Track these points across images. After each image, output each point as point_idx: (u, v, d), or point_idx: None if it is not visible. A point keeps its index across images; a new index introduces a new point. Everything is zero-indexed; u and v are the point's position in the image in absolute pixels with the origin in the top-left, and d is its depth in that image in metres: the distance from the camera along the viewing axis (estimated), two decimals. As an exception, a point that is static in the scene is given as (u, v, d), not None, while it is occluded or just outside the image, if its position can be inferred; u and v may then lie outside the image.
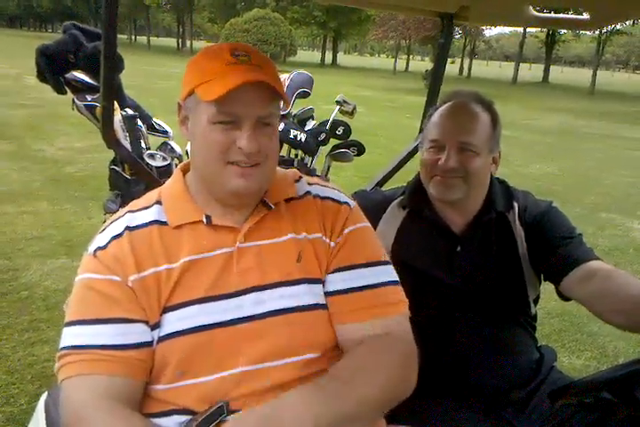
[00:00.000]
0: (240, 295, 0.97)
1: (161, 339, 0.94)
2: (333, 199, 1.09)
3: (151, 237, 0.98)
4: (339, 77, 28.93)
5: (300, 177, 1.13)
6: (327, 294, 1.02)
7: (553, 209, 1.42)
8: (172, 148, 2.63)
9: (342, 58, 69.55)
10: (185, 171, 1.08)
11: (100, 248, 0.97)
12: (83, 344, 0.91)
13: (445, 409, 1.29)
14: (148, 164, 2.42)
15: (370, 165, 6.21)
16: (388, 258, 1.08)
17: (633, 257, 4.74)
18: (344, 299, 1.01)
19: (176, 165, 2.16)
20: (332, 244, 1.04)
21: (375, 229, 1.42)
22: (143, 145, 2.60)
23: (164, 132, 2.82)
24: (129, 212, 1.02)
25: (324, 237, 1.04)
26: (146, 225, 0.99)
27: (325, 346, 1.00)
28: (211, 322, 0.94)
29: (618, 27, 39.27)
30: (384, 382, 0.92)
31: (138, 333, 0.93)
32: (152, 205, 1.03)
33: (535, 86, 36.57)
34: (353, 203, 1.12)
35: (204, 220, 1.00)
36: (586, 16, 1.69)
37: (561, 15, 1.83)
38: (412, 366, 0.99)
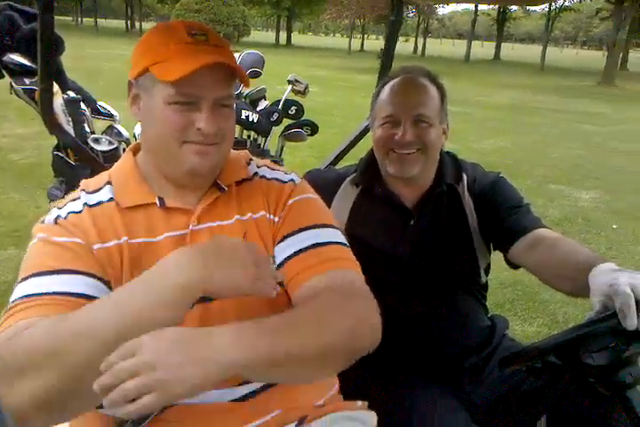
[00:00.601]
0: None
1: None
2: (279, 179, 1.09)
3: (110, 213, 0.96)
4: (293, 57, 28.59)
5: (251, 159, 1.13)
6: (279, 266, 1.00)
7: (501, 180, 1.45)
8: (118, 131, 2.55)
9: (297, 38, 68.72)
10: (135, 152, 1.06)
11: (60, 217, 0.94)
12: (39, 292, 0.83)
13: (401, 380, 1.31)
14: (93, 148, 2.33)
15: (325, 145, 6.20)
16: (337, 224, 1.07)
17: (582, 226, 4.92)
18: (294, 262, 0.99)
19: (124, 150, 2.10)
20: (276, 219, 1.03)
21: (329, 207, 1.44)
22: (87, 129, 2.50)
23: (110, 116, 2.73)
24: (84, 191, 1.00)
25: (267, 215, 1.03)
26: (103, 202, 0.97)
27: None
28: None
29: (566, 3, 40.10)
30: (340, 327, 0.85)
31: (103, 291, 0.88)
32: (103, 186, 1.00)
33: (487, 63, 37.10)
34: (298, 179, 1.11)
35: (158, 202, 0.98)
36: None
37: None
38: (374, 317, 0.92)
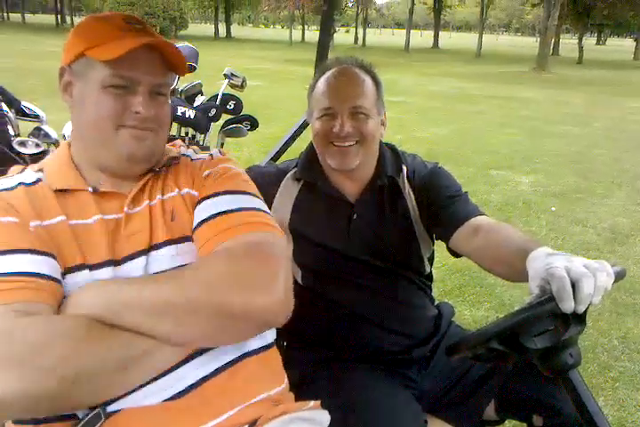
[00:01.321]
0: (131, 260, 0.94)
1: None
2: (201, 158, 1.10)
3: (45, 193, 0.94)
4: (233, 50, 28.21)
5: (181, 146, 1.16)
6: (193, 231, 0.98)
7: (439, 170, 1.46)
8: (46, 133, 2.41)
9: (236, 30, 67.66)
10: (70, 145, 1.04)
11: None
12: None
13: (350, 374, 1.31)
14: (18, 152, 2.20)
15: (271, 139, 6.16)
16: (257, 193, 1.04)
17: (522, 210, 5.09)
18: (205, 228, 0.95)
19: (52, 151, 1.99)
20: (196, 193, 1.02)
21: (272, 203, 1.41)
22: (11, 132, 2.35)
23: (36, 117, 2.58)
24: (17, 173, 0.99)
25: (191, 191, 1.03)
26: (36, 182, 0.96)
27: None
28: None
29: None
30: (224, 285, 0.82)
31: (51, 265, 0.86)
32: (36, 171, 0.99)
33: (426, 52, 37.74)
34: (217, 153, 1.12)
35: (90, 189, 0.97)
36: None
37: None
38: (272, 280, 0.85)
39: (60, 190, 0.95)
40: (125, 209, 0.97)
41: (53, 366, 0.75)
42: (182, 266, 0.95)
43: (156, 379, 0.87)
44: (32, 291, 0.81)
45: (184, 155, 1.11)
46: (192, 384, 0.90)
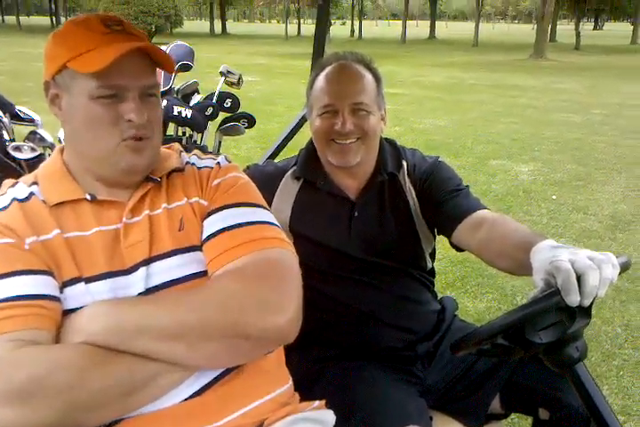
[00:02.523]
0: (131, 272, 0.92)
1: None
2: (208, 166, 1.07)
3: (39, 209, 0.92)
4: (230, 46, 28.09)
5: (181, 151, 1.11)
6: (203, 242, 0.97)
7: (439, 164, 1.45)
8: (41, 137, 2.38)
9: (232, 25, 67.28)
10: (63, 152, 1.02)
11: None
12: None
13: (354, 372, 1.31)
14: (14, 158, 2.19)
15: (270, 135, 6.15)
16: (265, 204, 1.04)
17: (523, 199, 5.07)
18: (216, 242, 0.95)
19: (49, 155, 1.98)
20: (206, 202, 1.01)
21: (271, 202, 1.41)
22: (6, 137, 2.34)
23: (31, 121, 2.56)
24: (10, 188, 0.96)
25: (200, 200, 1.01)
26: (30, 197, 0.94)
27: None
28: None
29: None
30: (239, 306, 0.82)
31: (48, 284, 0.85)
32: (30, 186, 0.96)
33: (423, 43, 37.55)
34: (225, 161, 1.09)
35: (88, 197, 0.95)
36: None
37: None
38: (284, 299, 0.86)
39: (58, 204, 0.93)
40: (124, 219, 0.95)
41: (53, 398, 0.74)
42: (189, 275, 0.94)
43: None
44: (31, 317, 0.80)
45: (188, 162, 1.08)
46: (195, 392, 0.90)
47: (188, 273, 0.95)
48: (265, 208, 1.03)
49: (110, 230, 0.94)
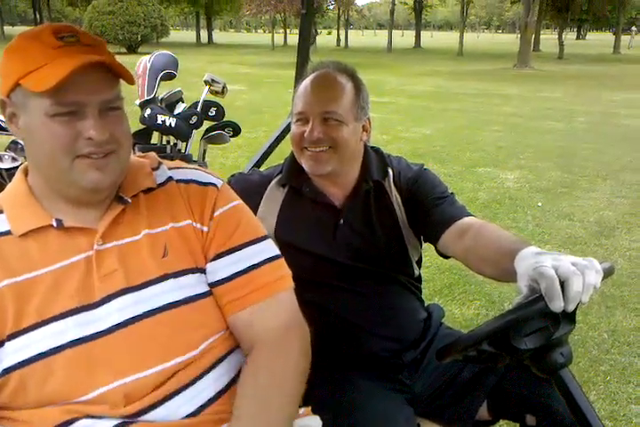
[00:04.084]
0: (100, 305, 0.89)
1: (6, 370, 0.84)
2: (197, 181, 1.03)
3: (9, 245, 0.88)
4: (216, 56, 28.11)
5: (160, 163, 1.05)
6: (213, 284, 0.98)
7: (424, 172, 1.45)
8: (22, 146, 2.36)
9: (218, 35, 67.49)
10: (27, 172, 0.97)
11: None
12: None
13: (341, 380, 1.30)
14: (-6, 168, 2.16)
15: (256, 144, 6.13)
16: (264, 232, 1.07)
17: (509, 207, 5.10)
18: (230, 286, 0.98)
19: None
20: (205, 229, 0.99)
21: (257, 210, 1.40)
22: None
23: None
24: None
25: (194, 223, 0.98)
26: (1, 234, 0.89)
27: (205, 339, 0.95)
28: (80, 336, 0.86)
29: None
30: (294, 385, 0.95)
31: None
32: None
33: (409, 52, 37.90)
34: (220, 182, 1.06)
35: (54, 223, 0.90)
36: None
37: None
38: (308, 353, 1.02)
39: (24, 234, 0.89)
40: (95, 246, 0.91)
41: None
42: (179, 301, 0.93)
43: (146, 412, 0.87)
44: None
45: (171, 178, 1.02)
46: (191, 412, 0.91)
47: (179, 298, 0.93)
48: (266, 237, 1.05)
49: (80, 260, 0.90)
